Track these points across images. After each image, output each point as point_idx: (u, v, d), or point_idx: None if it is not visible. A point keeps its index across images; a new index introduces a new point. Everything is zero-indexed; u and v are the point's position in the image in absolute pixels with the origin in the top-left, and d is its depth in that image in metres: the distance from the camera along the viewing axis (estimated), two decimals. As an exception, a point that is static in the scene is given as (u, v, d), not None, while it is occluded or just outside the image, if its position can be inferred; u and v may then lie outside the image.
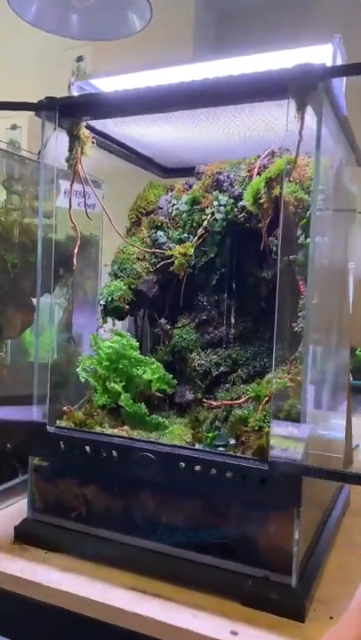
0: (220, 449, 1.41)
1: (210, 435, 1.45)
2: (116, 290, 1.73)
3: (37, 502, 1.50)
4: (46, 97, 1.43)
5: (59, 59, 4.36)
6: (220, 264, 1.66)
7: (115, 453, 1.36)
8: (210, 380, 1.67)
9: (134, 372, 1.67)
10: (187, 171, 2.00)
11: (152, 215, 1.79)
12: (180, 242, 1.69)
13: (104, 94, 1.41)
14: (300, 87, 1.17)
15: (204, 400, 1.58)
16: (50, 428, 1.46)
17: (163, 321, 1.77)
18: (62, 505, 1.46)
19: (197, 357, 1.69)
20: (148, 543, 1.35)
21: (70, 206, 1.51)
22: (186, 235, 1.68)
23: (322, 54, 1.30)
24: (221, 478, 1.25)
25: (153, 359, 1.67)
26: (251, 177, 1.55)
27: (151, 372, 1.69)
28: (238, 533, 1.27)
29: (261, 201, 1.37)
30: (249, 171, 1.56)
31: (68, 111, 1.43)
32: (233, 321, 1.68)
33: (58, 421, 1.53)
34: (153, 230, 1.75)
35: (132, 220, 1.84)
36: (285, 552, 1.22)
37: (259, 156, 1.58)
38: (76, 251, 1.51)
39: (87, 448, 1.40)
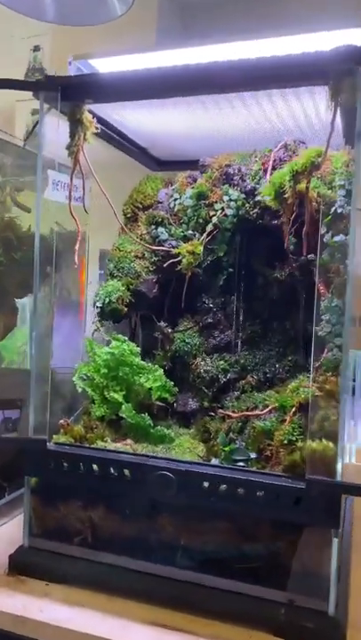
0: (240, 464, 1.30)
1: (227, 448, 1.34)
2: (114, 290, 1.59)
3: (35, 527, 1.35)
4: (47, 75, 1.28)
5: (18, 48, 4.12)
6: (227, 263, 1.55)
7: (127, 472, 1.23)
8: (217, 388, 1.56)
9: (136, 380, 1.54)
10: (182, 164, 1.88)
11: (151, 210, 1.65)
12: (185, 239, 1.57)
13: (113, 74, 1.27)
14: (339, 71, 1.07)
15: (220, 410, 1.46)
16: (50, 445, 1.31)
17: (163, 324, 1.64)
18: (65, 530, 1.32)
19: (203, 363, 1.58)
20: (165, 570, 1.23)
21: (70, 200, 1.37)
22: (191, 231, 1.55)
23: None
24: (251, 498, 1.14)
25: (156, 366, 1.55)
26: (265, 170, 1.45)
27: (153, 379, 1.56)
28: (267, 557, 1.17)
29: (286, 195, 1.27)
30: (263, 164, 1.46)
31: (71, 93, 1.28)
32: (241, 324, 1.58)
33: (55, 437, 1.39)
34: (153, 226, 1.62)
35: (128, 216, 1.70)
36: (321, 576, 1.12)
37: (271, 149, 1.47)
38: (77, 247, 1.36)
39: (94, 467, 1.26)
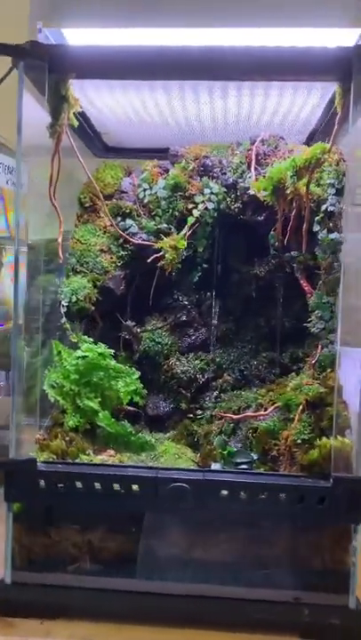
0: (243, 466, 1.27)
1: (226, 451, 1.29)
2: (80, 288, 1.45)
3: (20, 560, 1.18)
4: (32, 42, 1.11)
5: None
6: (202, 259, 1.49)
7: (135, 487, 1.13)
8: (195, 388, 1.50)
9: (113, 385, 1.42)
10: (130, 151, 1.78)
11: (114, 200, 1.53)
12: (159, 233, 1.47)
13: (109, 49, 1.13)
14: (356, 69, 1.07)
15: (219, 413, 1.40)
16: (41, 466, 1.15)
17: (130, 323, 1.54)
18: (57, 558, 1.18)
19: (178, 363, 1.51)
20: (178, 587, 1.15)
21: (51, 183, 1.21)
22: (165, 225, 1.46)
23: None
24: (273, 502, 1.11)
25: (133, 368, 1.44)
26: (248, 164, 1.41)
27: (130, 383, 1.45)
28: (287, 559, 1.15)
29: (288, 191, 1.24)
30: (247, 157, 1.42)
31: (58, 65, 1.13)
32: (216, 322, 1.53)
33: (31, 454, 1.23)
34: (119, 218, 1.50)
35: (86, 205, 1.55)
36: (343, 572, 1.13)
37: (253, 142, 1.44)
38: (60, 239, 1.21)
39: (96, 485, 1.13)
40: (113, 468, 1.18)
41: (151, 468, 1.18)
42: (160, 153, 1.73)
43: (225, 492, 1.12)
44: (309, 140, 1.58)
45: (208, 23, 1.19)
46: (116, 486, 1.13)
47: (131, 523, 1.17)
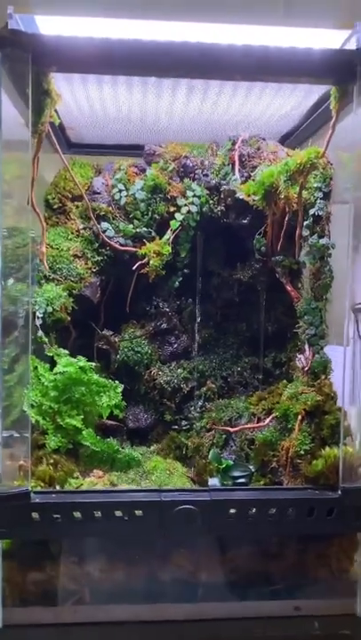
0: (241, 480, 1.23)
1: (223, 465, 1.25)
2: (56, 297, 1.34)
3: (11, 600, 1.08)
4: (13, 30, 0.99)
5: None
6: (182, 264, 1.43)
7: (139, 513, 1.06)
8: (180, 398, 1.44)
9: (97, 400, 1.33)
10: (94, 148, 1.68)
11: (86, 202, 1.43)
12: (138, 237, 1.39)
13: (95, 41, 1.03)
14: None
15: (214, 425, 1.35)
16: (35, 497, 1.06)
17: (108, 332, 1.45)
18: (53, 594, 1.09)
19: (161, 373, 1.44)
20: (187, 611, 1.10)
21: (33, 179, 1.10)
22: (145, 228, 1.39)
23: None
24: (283, 517, 1.08)
25: (116, 382, 1.36)
26: (232, 165, 1.36)
27: (109, 397, 1.37)
28: (297, 572, 1.13)
29: (282, 196, 1.21)
30: (230, 158, 1.37)
31: (40, 56, 1.02)
32: (198, 328, 1.48)
33: (16, 482, 1.12)
34: (93, 221, 1.40)
35: (55, 207, 1.44)
36: (349, 580, 1.13)
37: (234, 142, 1.39)
38: (43, 249, 1.11)
39: (97, 513, 1.05)
40: (113, 493, 1.10)
41: (154, 490, 1.11)
42: (127, 150, 1.66)
43: (233, 510, 1.08)
44: (284, 140, 1.56)
45: (199, 18, 1.13)
46: (118, 513, 1.06)
47: (135, 549, 1.10)
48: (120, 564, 1.10)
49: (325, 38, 1.19)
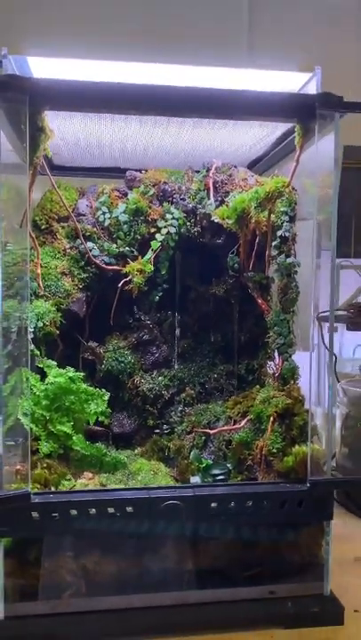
0: (221, 477, 1.36)
1: (203, 464, 1.37)
2: (46, 312, 1.45)
3: (12, 594, 1.18)
4: (11, 75, 1.10)
5: None
6: (161, 279, 1.55)
7: (130, 509, 1.17)
8: (161, 404, 1.56)
9: (85, 407, 1.44)
10: (76, 170, 1.79)
11: (71, 222, 1.53)
12: (121, 256, 1.51)
13: (88, 84, 1.14)
14: (319, 114, 1.20)
15: (194, 428, 1.47)
16: (34, 498, 1.16)
17: (93, 343, 1.56)
18: (51, 587, 1.19)
19: (144, 381, 1.56)
20: (173, 597, 1.22)
21: (29, 207, 1.21)
22: (128, 248, 1.50)
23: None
24: (258, 508, 1.21)
25: (103, 390, 1.47)
26: (207, 190, 1.49)
27: (97, 405, 1.48)
28: (269, 559, 1.26)
29: (253, 220, 1.34)
30: (205, 184, 1.49)
31: (36, 98, 1.12)
32: (177, 339, 1.60)
33: (14, 485, 1.22)
34: (79, 241, 1.51)
35: (42, 227, 1.54)
36: (317, 564, 1.27)
37: (208, 169, 1.52)
38: (38, 271, 1.21)
39: (92, 510, 1.16)
40: (106, 492, 1.21)
41: (143, 488, 1.23)
42: (107, 172, 1.77)
43: (214, 504, 1.20)
44: (253, 166, 1.70)
45: (176, 60, 1.26)
46: (111, 510, 1.17)
47: (126, 542, 1.21)
48: (112, 556, 1.21)
49: (288, 79, 1.34)
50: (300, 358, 1.47)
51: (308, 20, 2.77)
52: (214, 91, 1.18)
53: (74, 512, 1.16)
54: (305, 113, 1.20)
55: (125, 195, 1.54)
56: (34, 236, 1.26)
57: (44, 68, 1.30)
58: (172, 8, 2.65)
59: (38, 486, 1.26)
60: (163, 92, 1.16)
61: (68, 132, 1.51)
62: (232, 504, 1.20)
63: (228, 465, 1.37)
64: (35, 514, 1.15)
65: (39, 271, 1.23)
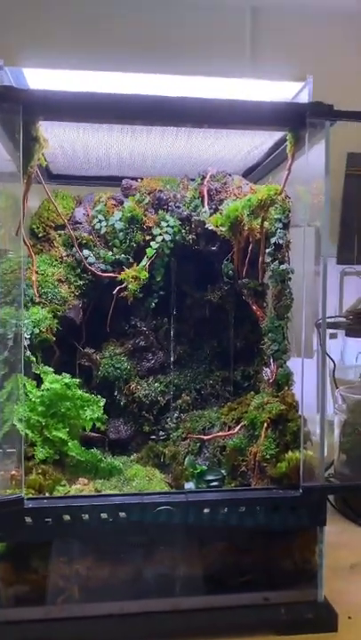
0: (215, 483, 1.36)
1: (197, 470, 1.38)
2: (42, 319, 1.46)
3: (5, 600, 1.18)
4: (3, 85, 1.12)
5: None
6: (157, 286, 1.56)
7: (123, 514, 1.18)
8: (157, 410, 1.57)
9: (81, 413, 1.45)
10: (74, 179, 1.82)
11: (68, 231, 1.55)
12: (117, 263, 1.52)
13: (82, 95, 1.16)
14: (310, 123, 1.21)
15: (189, 435, 1.48)
16: (28, 504, 1.17)
17: (90, 350, 1.57)
18: (44, 592, 1.19)
19: (140, 387, 1.57)
20: (166, 603, 1.22)
21: (23, 215, 1.22)
22: (124, 255, 1.52)
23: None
24: (251, 514, 1.22)
25: (99, 396, 1.48)
26: (201, 198, 1.51)
27: (93, 411, 1.49)
28: (262, 565, 1.26)
29: (246, 228, 1.36)
30: (200, 192, 1.51)
31: (30, 108, 1.15)
32: (173, 345, 1.61)
33: (9, 491, 1.23)
34: (75, 249, 1.53)
35: (39, 235, 1.56)
36: (311, 570, 1.27)
37: (203, 178, 1.54)
38: (34, 278, 1.23)
39: (85, 516, 1.17)
40: (99, 497, 1.22)
41: (136, 494, 1.23)
42: (104, 181, 1.80)
43: (207, 510, 1.20)
44: (247, 174, 1.72)
45: (172, 70, 1.28)
46: (105, 515, 1.18)
47: (119, 547, 1.22)
48: (105, 561, 1.21)
49: (284, 89, 1.36)
50: (294, 365, 1.48)
51: (310, 29, 2.78)
52: (207, 101, 1.20)
53: (67, 517, 1.16)
54: (296, 121, 1.22)
55: (121, 203, 1.56)
56: (29, 243, 1.27)
57: (41, 79, 1.32)
58: (171, 16, 2.68)
59: (33, 492, 1.27)
60: (156, 102, 1.18)
61: (65, 140, 1.53)
62: (225, 510, 1.21)
63: (223, 471, 1.38)
64: (28, 519, 1.16)
65: (34, 278, 1.24)
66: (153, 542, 1.22)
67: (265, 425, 1.34)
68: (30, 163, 1.19)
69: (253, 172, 1.69)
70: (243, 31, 2.79)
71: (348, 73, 2.74)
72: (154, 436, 1.55)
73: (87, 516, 1.17)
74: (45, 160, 1.32)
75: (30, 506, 1.16)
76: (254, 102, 1.21)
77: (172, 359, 1.61)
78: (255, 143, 1.52)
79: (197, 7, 2.70)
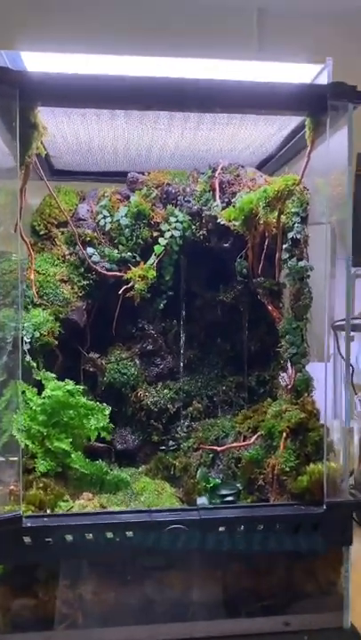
0: (229, 498, 1.26)
1: (211, 484, 1.27)
2: (43, 322, 1.37)
3: (2, 625, 1.08)
4: (1, 67, 1.03)
5: None
6: (166, 286, 1.47)
7: (130, 534, 1.08)
8: (166, 419, 1.47)
9: (85, 423, 1.35)
10: (78, 174, 1.72)
11: (71, 228, 1.46)
12: (123, 261, 1.43)
13: (83, 77, 1.07)
14: (331, 105, 1.11)
15: (202, 445, 1.38)
16: (26, 522, 1.07)
17: (95, 355, 1.48)
18: (45, 618, 1.10)
19: (148, 394, 1.47)
20: (177, 630, 1.12)
21: (21, 209, 1.13)
22: (130, 253, 1.43)
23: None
24: (270, 533, 1.11)
25: (104, 404, 1.38)
26: (213, 191, 1.41)
27: (97, 420, 1.39)
28: (282, 588, 1.16)
29: (261, 222, 1.26)
30: (211, 185, 1.41)
31: (28, 92, 1.06)
32: (182, 349, 1.51)
33: (7, 507, 1.14)
34: (78, 247, 1.43)
35: (41, 233, 1.47)
36: (336, 593, 1.16)
37: (214, 170, 1.44)
38: (32, 277, 1.14)
39: (89, 536, 1.07)
40: (104, 515, 1.12)
41: (144, 511, 1.13)
42: (111, 177, 1.70)
43: (222, 528, 1.10)
44: (261, 167, 1.62)
45: (179, 53, 1.18)
46: (110, 534, 1.08)
47: (126, 569, 1.12)
48: (111, 584, 1.11)
49: (299, 72, 1.26)
50: (315, 370, 1.38)
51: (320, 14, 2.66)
52: (219, 82, 1.10)
53: (69, 537, 1.07)
54: (316, 105, 1.12)
55: (127, 198, 1.47)
56: (27, 240, 1.18)
57: (40, 63, 1.23)
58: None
59: (33, 508, 1.17)
60: (164, 84, 1.09)
61: (67, 132, 1.44)
62: (241, 528, 1.11)
63: (238, 485, 1.27)
64: (27, 539, 1.06)
65: (32, 276, 1.15)
66: (163, 563, 1.12)
67: (284, 435, 1.23)
68: (28, 152, 1.09)
69: (267, 165, 1.59)
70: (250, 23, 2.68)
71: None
72: (163, 447, 1.45)
73: (91, 535, 1.07)
74: (45, 149, 1.22)
75: (29, 524, 1.07)
76: (272, 84, 1.11)
77: (181, 364, 1.51)
78: (270, 132, 1.42)
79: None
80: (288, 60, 1.24)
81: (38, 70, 1.09)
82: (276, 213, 1.28)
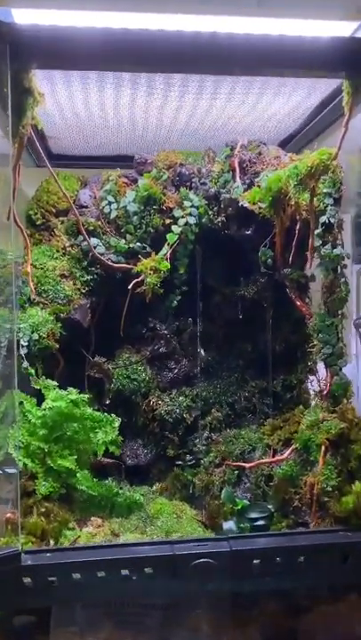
0: (260, 522, 1.09)
1: (238, 506, 1.11)
2: (42, 322, 1.20)
3: None
4: (-14, 18, 0.87)
5: None
6: (180, 281, 1.30)
7: (149, 570, 0.91)
8: (183, 430, 1.30)
9: (92, 437, 1.19)
10: (78, 159, 1.56)
11: (71, 216, 1.30)
12: (132, 253, 1.27)
13: (85, 31, 0.90)
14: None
15: (226, 461, 1.21)
16: (26, 559, 0.90)
17: (101, 359, 1.31)
18: (50, 672, 0.93)
19: (161, 402, 1.30)
20: None
21: (15, 189, 0.97)
22: (139, 243, 1.26)
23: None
24: (314, 566, 0.95)
25: (113, 415, 1.22)
26: (232, 172, 1.25)
27: (106, 433, 1.22)
28: (329, 629, 0.99)
29: (292, 203, 1.09)
30: (230, 164, 1.25)
31: (20, 50, 0.89)
32: (198, 351, 1.35)
33: (3, 540, 0.97)
34: (83, 236, 1.27)
35: (38, 223, 1.31)
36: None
37: (232, 148, 1.28)
38: (28, 268, 0.97)
39: (100, 574, 0.90)
40: (117, 548, 0.95)
41: (164, 542, 0.97)
42: (113, 161, 1.54)
43: (257, 562, 0.93)
44: (285, 144, 1.46)
45: (193, 9, 1.01)
46: (125, 572, 0.91)
47: (144, 610, 0.95)
48: (127, 630, 0.95)
49: (331, 30, 1.09)
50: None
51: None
52: (238, 37, 0.94)
53: (77, 576, 0.90)
54: (356, 63, 0.95)
55: (135, 181, 1.31)
56: (21, 226, 1.02)
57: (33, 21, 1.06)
58: None
59: (33, 539, 1.01)
60: (175, 40, 0.92)
61: (68, 111, 1.28)
62: (279, 560, 0.94)
63: (270, 506, 1.11)
64: (27, 579, 0.89)
65: (29, 269, 0.99)
66: (187, 604, 0.95)
67: (323, 448, 1.07)
68: (22, 121, 0.93)
69: (290, 144, 1.43)
70: None
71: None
72: (180, 462, 1.29)
73: (103, 572, 0.90)
74: (40, 122, 1.06)
75: (29, 562, 0.90)
76: (303, 38, 0.94)
77: (198, 368, 1.35)
78: (291, 105, 1.26)
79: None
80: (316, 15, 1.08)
81: (31, 23, 0.92)
82: (309, 193, 1.12)
